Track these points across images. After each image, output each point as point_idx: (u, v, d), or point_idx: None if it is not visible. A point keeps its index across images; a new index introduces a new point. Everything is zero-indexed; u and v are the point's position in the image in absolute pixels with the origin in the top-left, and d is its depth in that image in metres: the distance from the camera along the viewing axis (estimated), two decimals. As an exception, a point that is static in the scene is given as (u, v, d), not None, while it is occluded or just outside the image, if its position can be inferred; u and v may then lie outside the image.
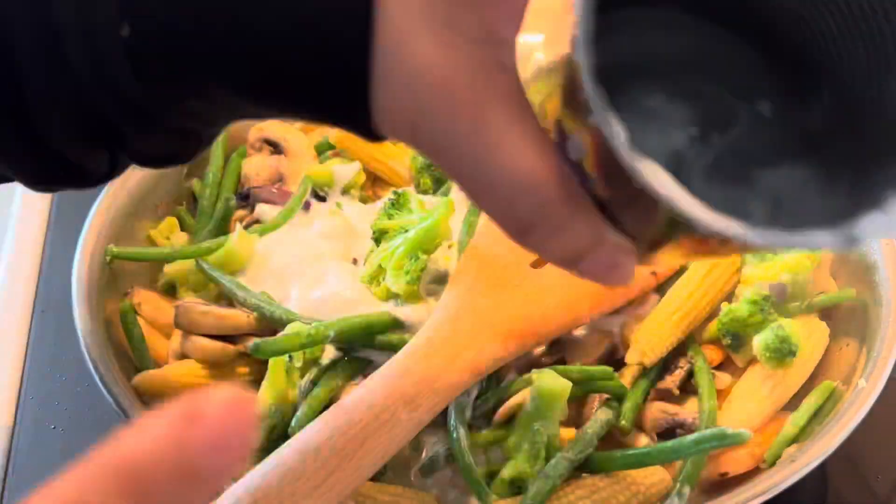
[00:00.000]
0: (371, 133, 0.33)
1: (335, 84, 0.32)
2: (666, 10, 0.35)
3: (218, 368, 0.57)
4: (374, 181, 0.70)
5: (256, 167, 0.67)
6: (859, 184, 0.31)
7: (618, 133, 0.28)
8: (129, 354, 0.58)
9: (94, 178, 0.37)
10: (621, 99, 0.31)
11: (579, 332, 0.57)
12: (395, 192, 0.61)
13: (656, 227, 0.31)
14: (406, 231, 0.58)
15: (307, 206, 0.66)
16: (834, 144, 0.33)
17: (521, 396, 0.52)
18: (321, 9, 0.31)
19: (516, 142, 0.31)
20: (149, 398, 0.55)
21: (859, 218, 0.29)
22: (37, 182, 0.38)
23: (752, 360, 0.56)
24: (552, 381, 0.50)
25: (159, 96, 0.34)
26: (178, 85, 0.33)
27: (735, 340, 0.56)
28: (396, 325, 0.56)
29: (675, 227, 0.30)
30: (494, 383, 0.54)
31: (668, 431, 0.54)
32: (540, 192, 0.32)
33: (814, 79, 0.34)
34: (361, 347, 0.55)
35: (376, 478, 0.50)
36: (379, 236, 0.60)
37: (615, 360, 0.57)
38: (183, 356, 0.58)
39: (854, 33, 0.32)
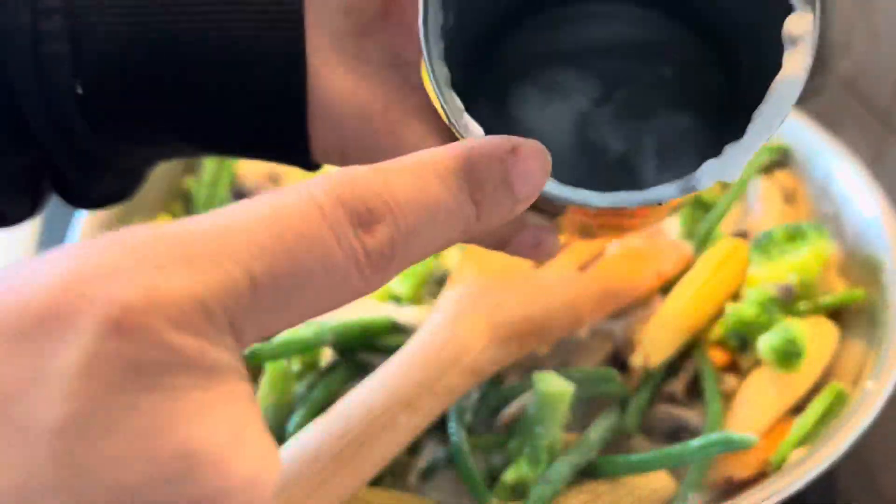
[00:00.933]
0: (308, 164, 0.38)
1: (280, 128, 0.36)
2: (617, 4, 0.40)
3: (214, 371, 0.56)
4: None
5: (252, 165, 0.67)
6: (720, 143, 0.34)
7: (475, 134, 0.33)
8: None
9: (9, 222, 0.39)
10: (529, 79, 0.38)
11: (582, 334, 0.56)
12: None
13: (545, 205, 0.35)
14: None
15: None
16: (724, 108, 0.37)
17: (524, 400, 0.51)
18: (262, 59, 0.35)
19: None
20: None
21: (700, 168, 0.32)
22: None
23: (758, 362, 0.55)
24: (554, 384, 0.50)
25: (111, 145, 0.36)
26: (131, 134, 0.36)
27: (741, 342, 0.55)
28: (396, 328, 0.55)
29: (555, 204, 0.34)
30: (495, 386, 0.53)
31: (673, 435, 0.53)
32: None
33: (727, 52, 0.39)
34: (360, 350, 0.55)
35: (374, 482, 0.49)
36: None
37: (619, 362, 0.56)
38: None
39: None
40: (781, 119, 0.32)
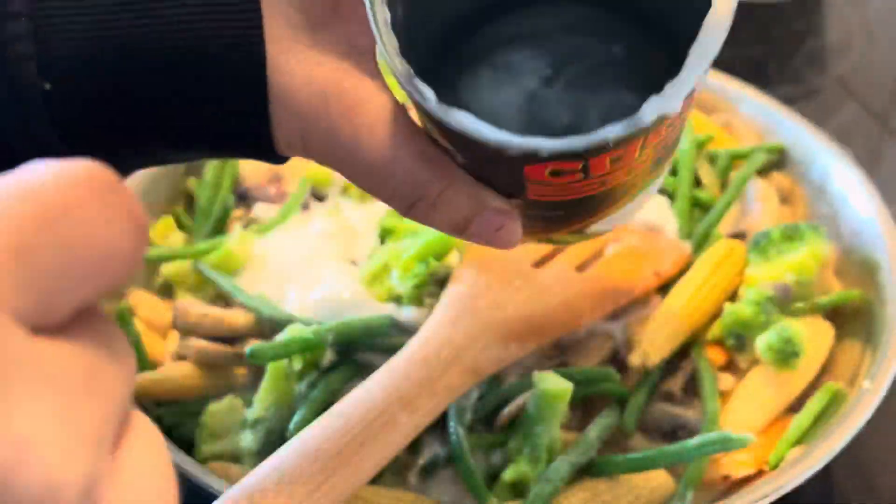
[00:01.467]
0: (275, 156, 0.39)
1: (244, 121, 0.37)
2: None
3: (215, 370, 0.57)
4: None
5: (254, 166, 0.67)
6: None
7: (425, 95, 0.34)
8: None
9: None
10: (485, 62, 0.40)
11: (581, 334, 0.57)
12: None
13: (502, 173, 0.36)
14: (416, 233, 0.58)
15: (306, 206, 0.65)
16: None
17: (523, 399, 0.51)
18: (224, 54, 0.36)
19: (387, 134, 0.36)
20: (144, 400, 0.55)
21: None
22: None
23: (756, 362, 0.55)
24: (553, 384, 0.50)
25: (82, 154, 0.36)
26: (101, 141, 0.37)
27: (738, 341, 0.55)
28: (396, 328, 0.55)
29: (510, 165, 0.34)
30: (495, 385, 0.54)
31: (671, 433, 0.53)
32: (411, 174, 0.37)
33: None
34: (360, 350, 0.55)
35: (374, 481, 0.49)
36: (384, 235, 0.59)
37: (618, 362, 0.56)
38: (180, 358, 0.57)
39: None
40: (715, 50, 0.34)
